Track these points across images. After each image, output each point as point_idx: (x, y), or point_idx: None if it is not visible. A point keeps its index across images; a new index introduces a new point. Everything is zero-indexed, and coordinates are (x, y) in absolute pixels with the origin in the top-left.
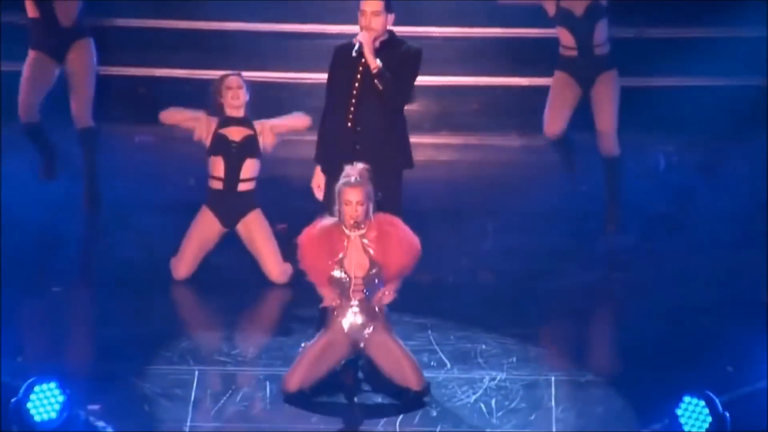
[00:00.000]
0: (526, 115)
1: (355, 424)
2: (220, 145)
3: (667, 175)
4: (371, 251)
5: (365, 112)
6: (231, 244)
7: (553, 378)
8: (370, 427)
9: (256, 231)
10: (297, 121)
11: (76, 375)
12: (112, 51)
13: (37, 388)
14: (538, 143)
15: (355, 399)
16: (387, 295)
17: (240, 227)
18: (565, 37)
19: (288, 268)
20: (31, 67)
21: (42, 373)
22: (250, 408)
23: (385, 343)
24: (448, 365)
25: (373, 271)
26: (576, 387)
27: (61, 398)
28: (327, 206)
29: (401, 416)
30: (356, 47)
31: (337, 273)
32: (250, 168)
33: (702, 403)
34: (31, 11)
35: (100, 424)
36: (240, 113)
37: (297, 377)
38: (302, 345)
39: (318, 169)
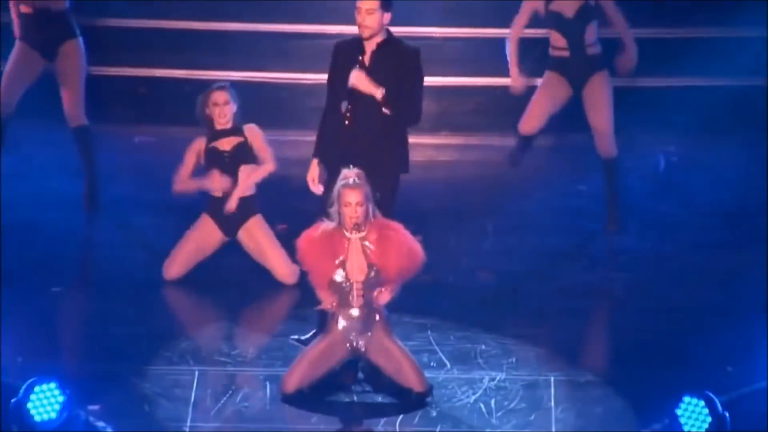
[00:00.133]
0: None
1: (355, 424)
2: (213, 157)
3: (667, 175)
4: (371, 254)
5: (364, 111)
6: (231, 245)
7: (552, 378)
8: (370, 427)
9: (260, 235)
10: (268, 167)
11: (76, 375)
12: (112, 51)
13: (37, 388)
14: (538, 143)
15: (355, 399)
16: (384, 294)
17: (241, 234)
18: (557, 39)
19: (296, 269)
20: (16, 59)
21: (42, 373)
22: (250, 408)
23: (385, 347)
24: (448, 365)
25: (373, 274)
26: (575, 387)
27: (61, 398)
28: (325, 203)
29: (401, 416)
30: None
31: (338, 277)
32: None
33: (702, 403)
34: (24, 6)
35: (100, 424)
36: (228, 125)
37: (295, 379)
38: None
39: (314, 162)
